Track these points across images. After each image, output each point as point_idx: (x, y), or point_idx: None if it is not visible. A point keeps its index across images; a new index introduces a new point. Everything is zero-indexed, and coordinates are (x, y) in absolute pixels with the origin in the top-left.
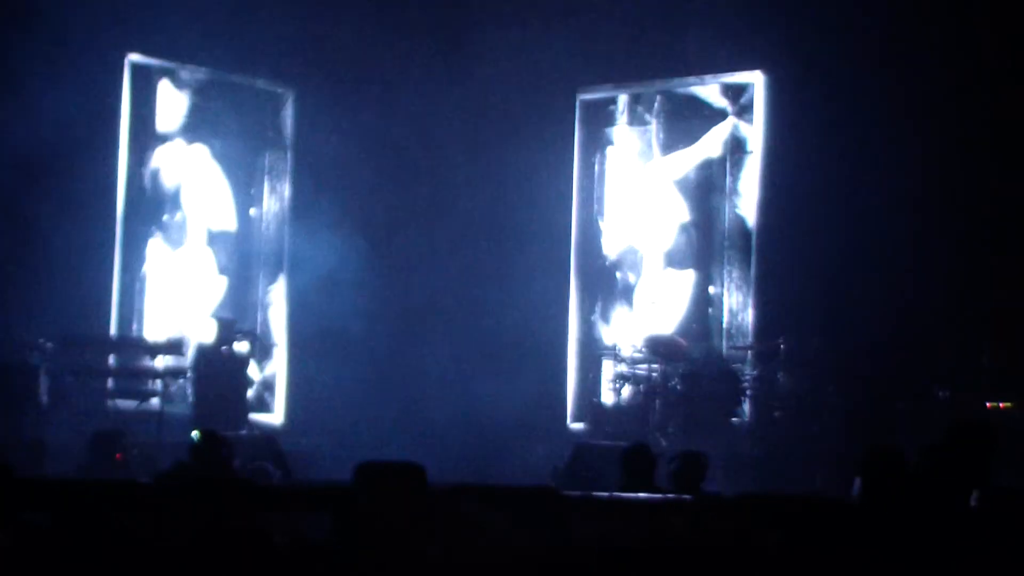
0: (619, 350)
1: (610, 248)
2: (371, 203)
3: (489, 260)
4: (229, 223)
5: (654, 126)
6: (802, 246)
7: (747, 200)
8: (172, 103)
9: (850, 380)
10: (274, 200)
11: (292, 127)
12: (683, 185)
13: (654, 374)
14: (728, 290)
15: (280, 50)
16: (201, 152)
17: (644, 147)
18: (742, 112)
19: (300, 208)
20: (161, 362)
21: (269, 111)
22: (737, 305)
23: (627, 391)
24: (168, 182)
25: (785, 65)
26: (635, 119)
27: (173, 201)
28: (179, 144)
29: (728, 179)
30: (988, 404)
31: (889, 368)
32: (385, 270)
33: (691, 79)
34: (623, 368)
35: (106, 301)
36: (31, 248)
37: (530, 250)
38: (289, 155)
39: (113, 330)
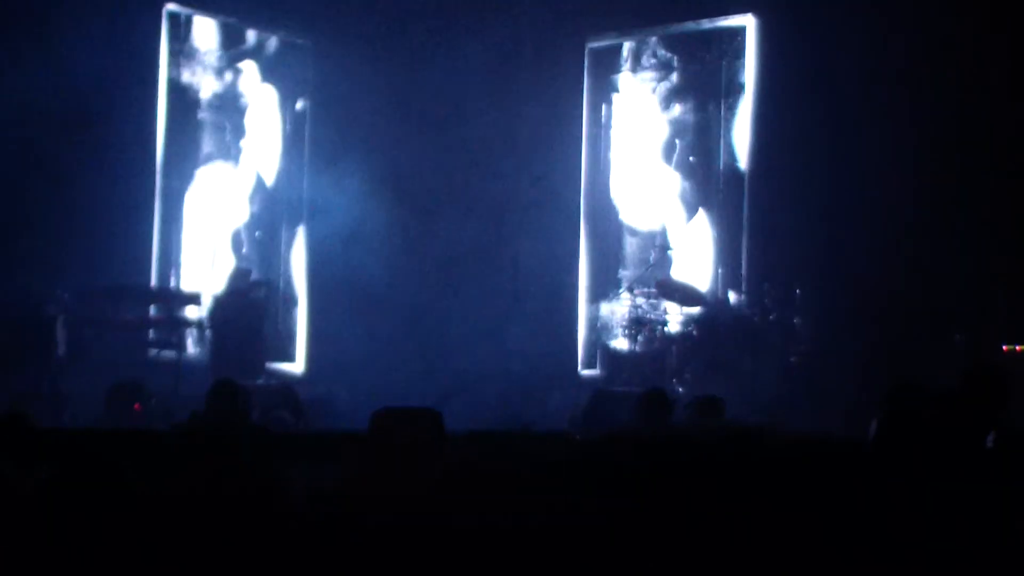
0: (634, 294)
1: (619, 195)
2: (391, 154)
3: (506, 210)
4: (264, 174)
5: (652, 73)
6: (801, 190)
7: (741, 143)
8: (205, 52)
9: (866, 324)
10: (296, 151)
11: (312, 78)
12: (682, 129)
13: (669, 319)
14: (730, 234)
15: (301, 3)
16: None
17: (647, 93)
18: (736, 55)
19: (321, 159)
20: (186, 312)
21: (292, 63)
22: (735, 249)
23: (642, 336)
24: (205, 133)
25: (776, 8)
26: (637, 66)
27: (208, 153)
28: (212, 94)
29: (723, 123)
30: (1005, 347)
31: (905, 312)
32: (405, 221)
33: (688, 24)
34: (638, 313)
35: (146, 253)
36: (68, 202)
37: (545, 199)
38: (309, 105)
39: (153, 282)
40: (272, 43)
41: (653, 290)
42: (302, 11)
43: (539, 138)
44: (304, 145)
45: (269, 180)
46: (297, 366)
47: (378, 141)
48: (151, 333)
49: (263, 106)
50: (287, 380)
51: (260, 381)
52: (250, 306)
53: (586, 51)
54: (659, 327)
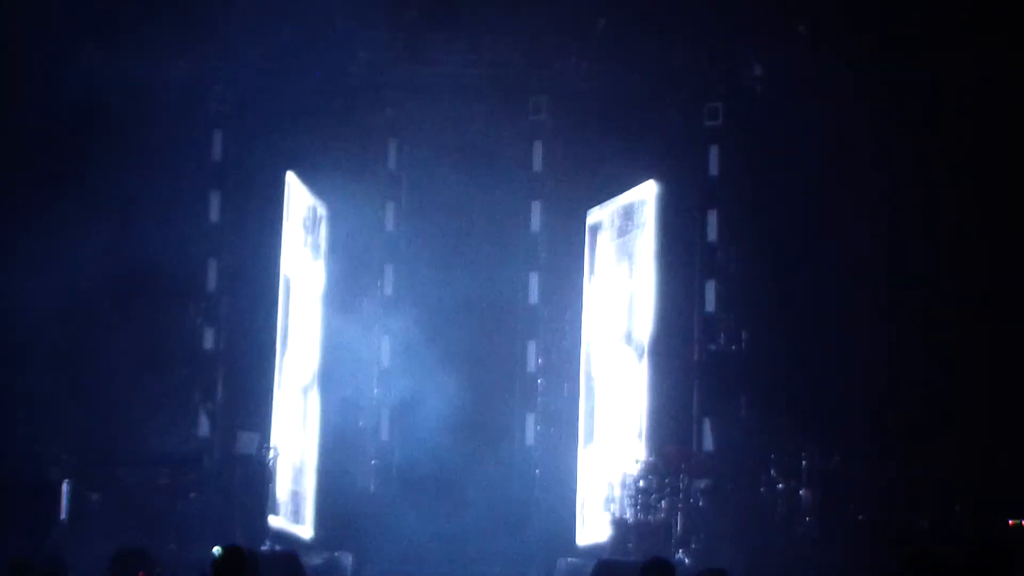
0: (641, 464)
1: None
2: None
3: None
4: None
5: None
6: (796, 359)
7: None
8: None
9: (871, 497)
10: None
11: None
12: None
13: (675, 488)
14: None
15: None
16: None
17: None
18: None
19: None
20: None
21: None
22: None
23: (647, 506)
24: None
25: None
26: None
27: None
28: None
29: None
30: (1011, 521)
31: (909, 486)
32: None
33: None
34: (642, 483)
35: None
36: None
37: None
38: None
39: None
40: None
41: (656, 458)
42: None
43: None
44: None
45: None
46: (306, 530)
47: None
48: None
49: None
50: (293, 545)
51: (266, 546)
52: (258, 469)
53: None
54: (665, 496)
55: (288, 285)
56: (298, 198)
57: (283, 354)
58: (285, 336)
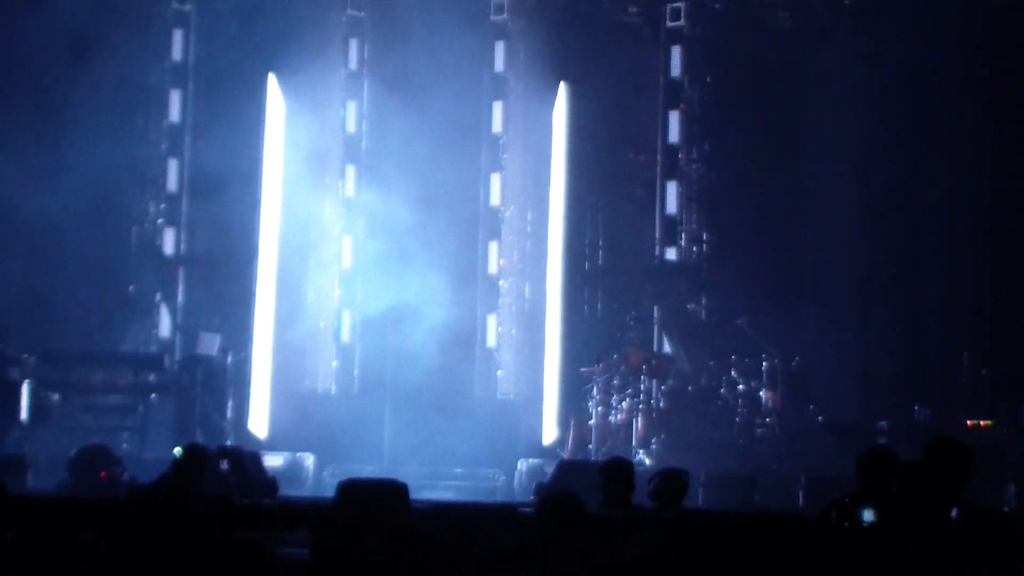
0: (601, 366)
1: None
2: None
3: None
4: None
5: None
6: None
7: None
8: None
9: (831, 398)
10: None
11: None
12: None
13: (636, 389)
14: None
15: None
16: None
17: None
18: None
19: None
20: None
21: None
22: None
23: (610, 406)
24: None
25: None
26: None
27: None
28: None
29: None
30: (968, 423)
31: (870, 387)
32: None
33: None
34: (605, 383)
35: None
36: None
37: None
38: None
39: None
40: None
41: (622, 360)
42: None
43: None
44: None
45: None
46: (262, 430)
47: None
48: (116, 397)
49: None
50: (253, 446)
51: (229, 443)
52: (219, 370)
53: None
54: (627, 397)
55: (255, 186)
56: (271, 98)
57: (245, 255)
58: (248, 237)
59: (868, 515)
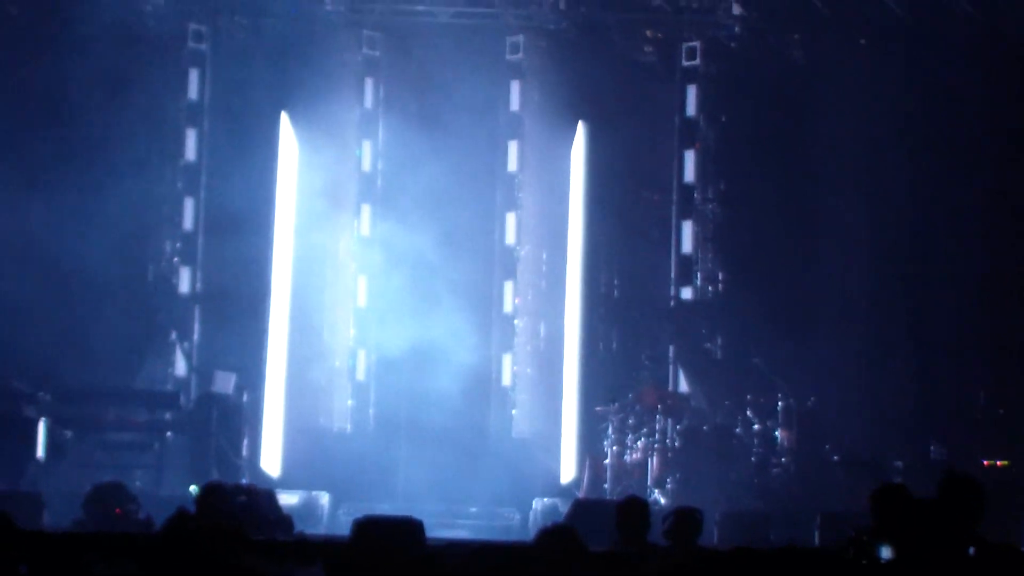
0: (616, 405)
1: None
2: None
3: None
4: None
5: None
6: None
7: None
8: None
9: (847, 437)
10: None
11: None
12: None
13: (651, 428)
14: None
15: None
16: None
17: None
18: None
19: None
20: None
21: None
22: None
23: (625, 445)
24: None
25: None
26: None
27: None
28: None
29: None
30: (985, 462)
31: (886, 425)
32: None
33: None
34: (620, 422)
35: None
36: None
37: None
38: None
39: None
40: None
41: (637, 399)
42: None
43: None
44: None
45: None
46: (276, 469)
47: None
48: (131, 435)
49: None
50: (267, 484)
51: (244, 481)
52: (234, 409)
53: None
54: (642, 436)
55: (272, 224)
56: (284, 137)
57: (260, 293)
58: (264, 275)
59: (886, 552)
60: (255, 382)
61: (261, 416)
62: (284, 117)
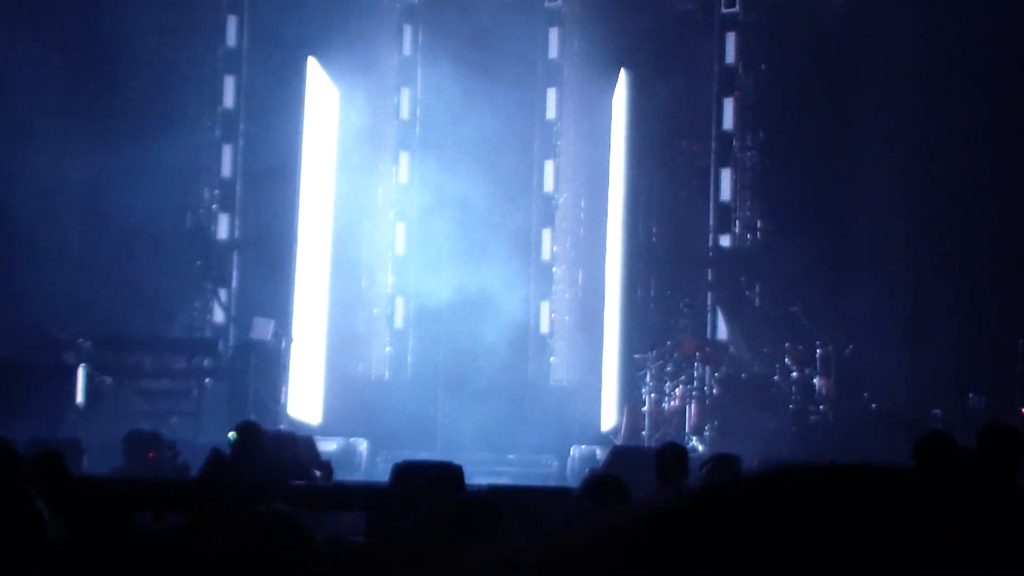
0: (655, 352)
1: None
2: None
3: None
4: None
5: None
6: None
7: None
8: None
9: (885, 386)
10: None
11: None
12: None
13: (690, 376)
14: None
15: None
16: None
17: None
18: None
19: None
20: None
21: None
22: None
23: (663, 393)
24: None
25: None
26: None
27: None
28: None
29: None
30: (1023, 410)
31: (924, 375)
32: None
33: None
34: (658, 369)
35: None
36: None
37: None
38: None
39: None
40: None
41: (676, 347)
42: None
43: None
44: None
45: None
46: (316, 416)
47: None
48: (169, 382)
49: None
50: (306, 431)
51: (282, 427)
52: (273, 356)
53: None
54: (680, 384)
55: (303, 172)
56: (316, 84)
57: (298, 241)
58: (300, 223)
59: None
60: (293, 329)
61: (298, 363)
62: (315, 64)
